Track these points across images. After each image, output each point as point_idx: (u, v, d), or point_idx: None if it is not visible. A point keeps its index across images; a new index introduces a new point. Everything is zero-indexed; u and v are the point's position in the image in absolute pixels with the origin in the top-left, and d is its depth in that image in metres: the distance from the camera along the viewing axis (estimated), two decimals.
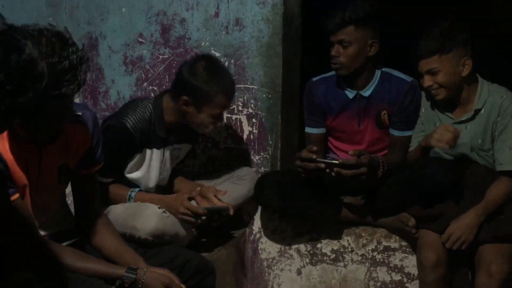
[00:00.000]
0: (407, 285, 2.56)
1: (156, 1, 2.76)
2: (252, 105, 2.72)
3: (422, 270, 2.31)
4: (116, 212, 2.20)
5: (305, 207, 2.53)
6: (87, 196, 1.92)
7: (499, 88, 2.40)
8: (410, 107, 2.57)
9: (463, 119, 2.42)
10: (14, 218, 1.61)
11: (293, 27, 2.73)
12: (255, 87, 2.70)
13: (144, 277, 1.76)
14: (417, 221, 2.40)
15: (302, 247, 2.69)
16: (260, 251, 2.75)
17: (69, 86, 1.55)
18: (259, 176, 2.66)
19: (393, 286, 2.57)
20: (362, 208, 2.55)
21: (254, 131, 2.73)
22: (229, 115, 2.75)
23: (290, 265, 2.71)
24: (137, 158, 2.32)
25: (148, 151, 2.34)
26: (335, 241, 2.65)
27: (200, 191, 2.39)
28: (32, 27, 1.54)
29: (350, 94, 2.62)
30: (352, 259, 2.64)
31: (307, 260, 2.69)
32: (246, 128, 2.74)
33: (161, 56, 2.82)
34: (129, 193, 2.30)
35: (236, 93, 2.71)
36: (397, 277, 2.58)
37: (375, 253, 2.61)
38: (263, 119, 2.71)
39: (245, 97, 2.72)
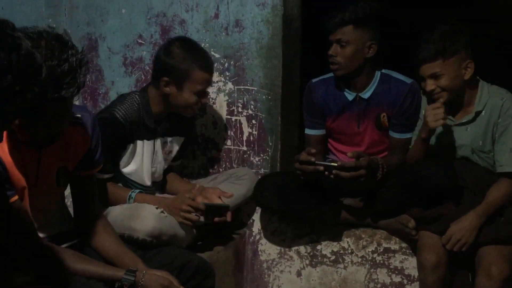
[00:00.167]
0: (407, 286, 2.56)
1: (156, 2, 2.76)
2: (252, 107, 2.72)
3: (422, 272, 2.31)
4: (114, 213, 2.20)
5: (305, 209, 2.53)
6: (86, 197, 1.92)
7: (499, 90, 2.40)
8: (410, 109, 2.57)
9: (463, 121, 2.41)
10: (13, 220, 1.61)
11: (293, 28, 2.73)
12: (255, 88, 2.70)
13: (143, 279, 1.76)
14: (417, 222, 2.40)
15: (302, 248, 2.69)
16: (259, 253, 2.76)
17: (68, 88, 1.55)
18: (259, 177, 2.66)
19: None
20: (362, 210, 2.55)
21: (254, 132, 2.73)
22: (228, 117, 2.75)
23: (290, 267, 2.72)
24: (129, 150, 2.32)
25: (139, 142, 2.34)
26: (335, 243, 2.65)
27: (204, 192, 2.38)
28: (31, 29, 1.54)
29: (350, 96, 2.61)
30: (352, 261, 2.64)
31: (307, 262, 2.69)
32: (246, 130, 2.74)
33: None
34: (130, 193, 2.30)
35: (235, 94, 2.73)
36: (397, 278, 2.58)
37: (375, 255, 2.60)
38: (263, 121, 2.71)
39: (244, 99, 2.72)
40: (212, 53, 2.72)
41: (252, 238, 2.77)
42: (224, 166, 2.78)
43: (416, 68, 2.37)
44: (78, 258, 1.73)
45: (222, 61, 2.72)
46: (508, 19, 3.60)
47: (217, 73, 2.73)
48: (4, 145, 1.64)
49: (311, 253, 2.68)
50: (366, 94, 2.59)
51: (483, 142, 2.38)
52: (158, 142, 2.42)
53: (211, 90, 2.76)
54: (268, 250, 2.75)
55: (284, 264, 2.73)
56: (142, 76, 2.82)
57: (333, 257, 2.66)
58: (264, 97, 2.69)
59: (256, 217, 2.76)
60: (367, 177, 2.32)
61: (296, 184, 2.47)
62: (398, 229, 2.49)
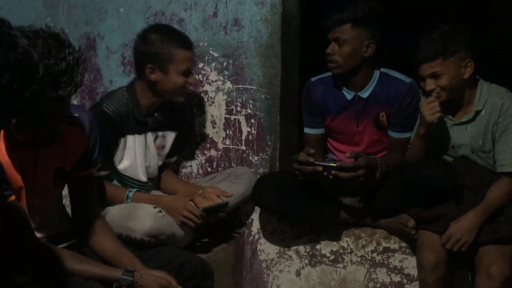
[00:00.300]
0: (406, 286, 2.56)
1: (154, 1, 2.75)
2: (251, 106, 2.71)
3: (422, 272, 2.30)
4: (112, 213, 2.19)
5: (304, 209, 2.53)
6: (84, 198, 1.91)
7: (498, 89, 2.39)
8: (409, 109, 2.56)
9: (463, 120, 2.41)
10: (11, 220, 1.60)
11: (292, 27, 2.72)
12: (254, 87, 2.69)
13: (141, 279, 1.75)
14: (416, 222, 2.39)
15: (301, 248, 2.69)
16: (259, 252, 2.75)
17: (66, 87, 1.54)
18: (258, 177, 2.65)
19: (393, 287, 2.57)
20: (361, 210, 2.54)
21: (253, 131, 2.72)
22: (227, 116, 2.74)
23: (289, 266, 2.71)
24: (121, 145, 2.32)
25: (130, 137, 2.34)
26: (334, 242, 2.64)
27: (203, 192, 2.37)
28: (28, 28, 1.53)
29: (349, 95, 2.61)
30: (351, 260, 2.63)
31: (306, 261, 2.68)
32: (245, 129, 2.73)
33: None
34: (127, 193, 2.29)
35: (234, 93, 2.72)
36: (396, 278, 2.58)
37: (374, 254, 2.60)
38: (261, 120, 2.70)
39: (243, 98, 2.71)
40: (211, 52, 2.72)
41: (251, 237, 2.77)
42: (223, 165, 2.77)
43: (416, 68, 2.36)
44: (76, 259, 1.72)
45: (220, 60, 2.71)
46: (508, 19, 3.59)
47: (216, 72, 2.73)
48: (1, 144, 1.64)
49: (310, 253, 2.68)
50: (365, 94, 2.59)
51: (483, 141, 2.37)
52: (150, 136, 2.41)
53: (210, 89, 2.75)
54: (267, 249, 2.74)
55: (283, 263, 2.72)
56: None
57: (332, 257, 2.65)
58: (263, 96, 2.68)
59: (255, 216, 2.76)
60: (366, 177, 2.32)
61: (295, 183, 2.46)
62: (397, 228, 2.49)
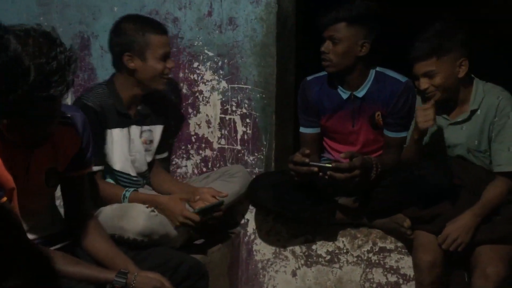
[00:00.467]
0: (403, 286, 2.55)
1: (149, 0, 2.73)
2: (246, 105, 2.69)
3: (418, 272, 2.29)
4: (105, 213, 2.17)
5: (300, 209, 2.52)
6: (77, 198, 1.89)
7: (494, 88, 2.38)
8: (404, 108, 2.55)
9: (459, 120, 2.40)
10: (2, 222, 1.57)
11: (287, 26, 2.70)
12: (249, 87, 2.68)
13: (134, 281, 1.73)
14: (413, 222, 2.38)
15: (297, 248, 2.68)
16: (254, 253, 2.74)
17: (57, 87, 1.52)
18: (253, 177, 2.64)
19: None
20: (357, 210, 2.53)
21: (248, 131, 2.71)
22: (222, 115, 2.73)
23: (285, 267, 2.70)
24: (108, 139, 2.31)
25: (114, 130, 2.33)
26: (330, 243, 2.64)
27: (198, 193, 2.36)
28: (18, 27, 1.50)
29: (344, 94, 2.60)
30: (347, 261, 2.62)
31: (302, 262, 2.68)
32: (240, 129, 2.72)
33: None
34: (124, 192, 2.27)
35: (229, 93, 2.71)
36: (393, 278, 2.57)
37: (370, 254, 2.59)
38: (257, 119, 2.69)
39: (239, 97, 2.70)
40: (206, 51, 2.70)
41: (247, 238, 2.75)
42: (218, 165, 2.75)
43: (411, 67, 2.35)
44: (68, 261, 1.70)
45: (215, 59, 2.70)
46: (507, 19, 3.59)
47: (211, 71, 2.71)
48: None
49: (306, 253, 2.67)
50: (360, 93, 2.58)
51: (479, 141, 2.36)
52: (134, 130, 2.40)
53: (205, 88, 2.74)
54: (263, 250, 2.73)
55: (279, 264, 2.71)
56: None
57: (328, 257, 2.64)
58: (258, 95, 2.67)
59: (251, 216, 2.74)
60: (361, 177, 2.31)
61: (291, 184, 2.45)
62: (393, 228, 2.48)
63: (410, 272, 2.48)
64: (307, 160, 2.31)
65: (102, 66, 2.84)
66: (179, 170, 2.82)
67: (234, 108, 2.71)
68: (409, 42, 2.36)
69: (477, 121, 2.36)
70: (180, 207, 2.22)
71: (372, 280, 2.60)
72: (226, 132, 2.74)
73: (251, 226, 2.75)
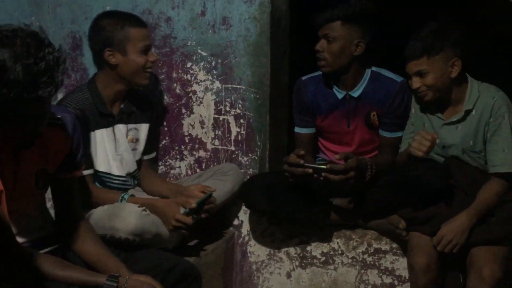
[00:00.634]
0: (398, 287, 2.53)
1: (141, 0, 2.71)
2: (240, 106, 2.68)
3: (413, 274, 2.28)
4: (96, 214, 2.16)
5: (294, 210, 2.51)
6: (68, 201, 1.86)
7: (489, 88, 2.36)
8: (400, 108, 2.54)
9: (453, 120, 2.38)
10: None
11: (281, 25, 2.69)
12: (243, 87, 2.66)
13: (125, 285, 1.70)
14: (408, 223, 2.37)
15: (291, 250, 2.67)
16: (249, 254, 2.73)
17: (46, 88, 1.50)
18: (248, 178, 2.63)
19: None
20: (352, 211, 2.52)
21: (242, 132, 2.69)
22: (216, 116, 2.71)
23: (280, 268, 2.69)
24: (92, 141, 2.29)
25: (97, 132, 2.31)
26: (325, 244, 2.62)
27: (187, 192, 2.34)
28: (5, 27, 1.48)
29: (339, 94, 2.59)
30: (342, 262, 2.61)
31: (297, 263, 2.66)
32: (234, 129, 2.70)
33: None
34: (122, 195, 2.25)
35: (223, 93, 2.69)
36: (388, 279, 2.56)
37: (365, 256, 2.58)
38: (251, 120, 2.67)
39: (232, 97, 2.68)
40: (199, 51, 2.69)
41: (241, 239, 2.74)
42: (212, 166, 2.73)
43: (400, 62, 2.34)
44: (58, 264, 1.67)
45: (209, 59, 2.68)
46: (506, 19, 3.59)
47: (204, 71, 2.70)
48: None
49: (301, 254, 2.65)
50: (356, 93, 2.57)
51: (474, 142, 2.35)
52: (119, 129, 2.38)
53: (198, 89, 2.72)
54: (257, 251, 2.72)
55: (273, 265, 2.70)
56: None
57: (323, 258, 2.63)
58: (252, 95, 2.66)
59: (245, 218, 2.73)
60: (356, 179, 2.29)
61: (286, 185, 2.43)
62: (388, 229, 2.47)
63: (405, 274, 2.47)
64: (301, 161, 2.30)
65: (94, 66, 2.82)
66: (172, 171, 2.80)
67: (228, 109, 2.70)
68: (407, 42, 2.35)
69: (472, 121, 2.34)
70: (174, 211, 2.20)
71: (367, 282, 2.59)
72: (220, 133, 2.72)
73: (245, 228, 2.73)
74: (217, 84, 2.69)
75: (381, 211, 2.46)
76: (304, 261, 2.65)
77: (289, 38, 2.77)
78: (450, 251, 2.24)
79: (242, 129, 2.69)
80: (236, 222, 2.75)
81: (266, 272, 2.71)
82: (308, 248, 2.65)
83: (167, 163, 2.81)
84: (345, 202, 2.50)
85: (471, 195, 2.31)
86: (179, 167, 2.80)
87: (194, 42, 2.68)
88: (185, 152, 2.78)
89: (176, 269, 1.97)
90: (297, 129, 2.69)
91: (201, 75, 2.71)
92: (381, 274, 2.57)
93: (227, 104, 2.69)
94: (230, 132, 2.71)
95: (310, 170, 2.29)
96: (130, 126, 2.42)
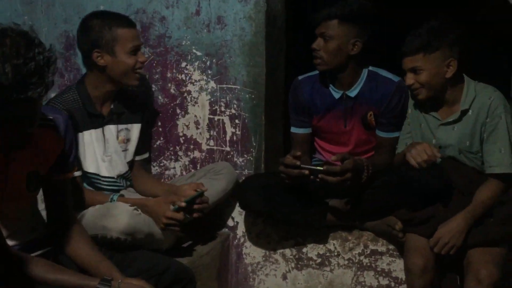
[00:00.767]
0: None
1: None
2: (235, 106, 2.66)
3: (410, 276, 2.26)
4: (87, 214, 2.13)
5: (290, 212, 2.49)
6: (60, 203, 1.84)
7: (486, 88, 2.35)
8: (397, 108, 2.52)
9: (449, 120, 2.36)
10: None
11: (277, 25, 2.67)
12: (238, 87, 2.64)
13: None
14: (404, 224, 2.35)
15: (287, 251, 2.65)
16: (244, 256, 2.71)
17: (36, 89, 1.47)
18: (243, 179, 2.61)
19: None
20: (348, 212, 2.50)
21: (237, 132, 2.67)
22: (211, 116, 2.69)
23: (275, 270, 2.67)
24: (80, 143, 2.26)
25: (86, 133, 2.29)
26: (321, 245, 2.61)
27: (179, 191, 2.33)
28: None
29: (336, 94, 2.57)
30: (338, 264, 2.60)
31: (293, 265, 2.64)
32: (229, 130, 2.68)
33: None
34: (112, 197, 2.22)
35: (218, 93, 2.67)
36: (384, 281, 2.55)
37: (362, 257, 2.56)
38: (246, 120, 2.65)
39: (227, 98, 2.66)
40: (194, 50, 2.66)
41: (237, 241, 2.72)
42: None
43: (400, 62, 2.33)
44: (50, 268, 1.65)
45: (204, 59, 2.66)
46: (505, 19, 3.58)
47: (199, 71, 2.68)
48: None
49: (297, 256, 2.63)
50: (353, 92, 2.55)
51: (471, 142, 2.33)
52: (109, 129, 2.35)
53: (193, 89, 2.70)
54: (253, 253, 2.70)
55: (269, 267, 2.68)
56: None
57: (319, 260, 2.61)
58: (247, 96, 2.64)
59: (241, 219, 2.71)
60: (353, 180, 2.27)
61: (282, 185, 2.41)
62: (385, 231, 2.45)
63: (402, 275, 2.46)
64: (298, 162, 2.28)
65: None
66: (167, 172, 2.78)
67: (223, 109, 2.67)
68: (406, 38, 2.34)
69: (469, 122, 2.33)
70: (164, 209, 2.18)
71: (363, 283, 2.57)
72: (215, 133, 2.70)
73: (241, 229, 2.72)
74: (212, 84, 2.67)
75: (378, 212, 2.44)
76: (300, 262, 2.63)
77: (284, 38, 2.75)
78: (447, 253, 2.23)
79: (237, 129, 2.67)
80: (231, 223, 2.73)
81: (262, 274, 2.69)
82: (304, 250, 2.63)
83: (161, 164, 2.79)
84: (342, 203, 2.48)
85: (468, 195, 2.29)
86: (174, 168, 2.78)
87: (188, 42, 2.66)
88: (180, 153, 2.76)
89: (170, 272, 1.95)
90: (293, 129, 2.68)
91: (196, 75, 2.68)
92: (377, 276, 2.55)
93: (222, 104, 2.67)
94: (225, 132, 2.69)
95: (307, 172, 2.27)
96: (121, 126, 2.39)
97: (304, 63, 2.68)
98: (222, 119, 2.68)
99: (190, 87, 2.70)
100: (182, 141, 2.75)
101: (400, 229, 2.36)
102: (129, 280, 1.72)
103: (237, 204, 2.67)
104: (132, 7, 2.69)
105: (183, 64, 2.68)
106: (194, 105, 2.71)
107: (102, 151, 2.33)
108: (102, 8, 2.72)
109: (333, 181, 2.25)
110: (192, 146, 2.74)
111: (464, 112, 2.33)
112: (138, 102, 2.48)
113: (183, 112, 2.72)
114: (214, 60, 2.65)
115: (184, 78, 2.70)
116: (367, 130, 2.60)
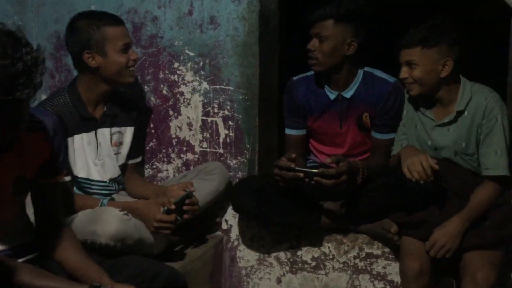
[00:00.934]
0: None
1: None
2: (228, 107, 2.62)
3: (405, 279, 2.23)
4: (77, 219, 2.09)
5: (285, 214, 2.45)
6: (48, 207, 1.80)
7: (482, 89, 2.32)
8: (392, 109, 2.50)
9: (445, 121, 2.34)
10: None
11: (270, 25, 2.64)
12: (231, 88, 2.61)
13: None
14: (400, 227, 2.33)
15: (281, 254, 2.63)
16: (238, 259, 2.68)
17: (24, 90, 1.44)
18: (236, 181, 2.58)
19: None
20: (343, 215, 2.47)
21: (231, 134, 2.64)
22: (204, 118, 2.66)
23: (270, 274, 2.65)
24: (70, 147, 2.22)
25: (77, 137, 2.25)
26: (316, 248, 2.58)
27: (168, 192, 2.30)
28: None
29: (331, 95, 2.54)
30: (333, 267, 2.57)
31: (287, 268, 2.62)
32: (222, 131, 2.65)
33: None
34: (101, 201, 2.18)
35: (211, 94, 2.64)
36: (380, 285, 2.53)
37: (357, 260, 2.54)
38: (239, 122, 2.62)
39: (220, 99, 2.63)
40: (186, 51, 2.64)
41: (230, 244, 2.69)
42: None
43: (396, 60, 2.31)
44: (37, 274, 1.61)
45: (196, 59, 2.63)
46: (505, 19, 3.58)
47: (192, 72, 2.65)
48: None
49: (291, 259, 2.61)
50: (348, 93, 2.53)
51: (467, 144, 2.31)
52: (102, 133, 2.32)
53: (186, 90, 2.67)
54: (246, 256, 2.67)
55: (263, 271, 2.65)
56: None
57: (313, 263, 2.59)
58: (240, 97, 2.61)
59: (234, 222, 2.69)
60: (348, 183, 2.25)
61: (275, 188, 2.38)
62: (380, 234, 2.43)
63: (398, 279, 2.43)
64: (292, 165, 2.25)
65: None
66: (160, 174, 2.75)
67: (216, 110, 2.65)
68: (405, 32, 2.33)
69: (464, 123, 2.30)
70: (154, 212, 2.14)
71: (359, 287, 2.55)
72: (208, 135, 2.67)
73: (235, 232, 2.69)
74: (205, 85, 2.64)
75: (373, 214, 2.41)
76: (294, 266, 2.61)
77: (278, 38, 2.73)
78: (443, 256, 2.20)
79: (230, 131, 2.64)
80: (224, 226, 2.70)
81: (256, 277, 2.66)
82: (299, 253, 2.60)
83: (154, 166, 2.75)
84: (337, 205, 2.45)
85: (463, 198, 2.27)
86: (167, 170, 2.74)
87: (181, 42, 2.63)
88: (173, 155, 2.73)
89: (161, 277, 1.91)
90: (287, 131, 2.65)
91: (189, 76, 2.65)
92: (373, 279, 2.52)
93: (215, 105, 2.64)
94: (218, 134, 2.66)
95: (301, 174, 2.24)
96: (114, 129, 2.35)
97: (298, 64, 2.66)
98: (215, 121, 2.65)
99: (182, 88, 2.67)
100: (174, 143, 2.72)
101: (396, 232, 2.33)
102: (119, 286, 1.68)
103: (230, 206, 2.64)
104: (124, 7, 2.66)
105: (176, 65, 2.66)
106: (187, 107, 2.68)
107: (94, 155, 2.29)
108: (94, 8, 2.69)
109: (328, 184, 2.22)
110: (185, 148, 2.71)
111: (459, 113, 2.31)
112: (131, 105, 2.45)
113: (175, 114, 2.69)
114: (207, 61, 2.62)
115: (176, 79, 2.67)
116: (362, 132, 2.58)
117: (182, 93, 2.68)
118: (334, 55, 2.44)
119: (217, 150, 2.67)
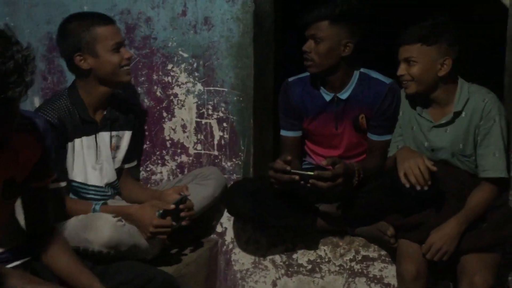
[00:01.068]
0: None
1: None
2: (223, 109, 2.60)
3: (402, 282, 2.21)
4: (69, 225, 2.06)
5: (280, 217, 2.43)
6: (39, 211, 1.77)
7: (480, 90, 2.31)
8: (389, 110, 2.49)
9: (442, 122, 2.33)
10: None
11: (265, 25, 2.62)
12: (226, 89, 2.59)
13: None
14: (396, 230, 2.31)
15: (277, 257, 2.60)
16: (233, 263, 2.66)
17: (15, 88, 1.41)
18: (231, 183, 2.55)
19: None
20: (340, 217, 2.45)
21: (225, 136, 2.62)
22: (198, 120, 2.64)
23: (265, 277, 2.62)
24: (69, 151, 2.19)
25: (77, 141, 2.22)
26: (312, 251, 2.56)
27: (163, 196, 2.28)
28: None
29: (327, 96, 2.53)
30: (329, 270, 2.55)
31: (283, 272, 2.60)
32: (217, 133, 2.63)
33: None
34: (93, 206, 2.15)
35: (205, 96, 2.62)
36: (376, 287, 2.49)
37: (353, 263, 2.52)
38: (234, 123, 2.60)
39: (215, 100, 2.61)
40: (180, 52, 2.62)
41: (225, 247, 2.66)
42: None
43: (396, 51, 2.30)
44: (26, 280, 1.58)
45: (190, 61, 2.61)
46: (501, 19, 3.59)
47: (186, 73, 2.63)
48: None
49: (287, 262, 2.59)
50: (344, 95, 2.51)
51: (464, 145, 2.29)
52: (102, 137, 2.29)
53: (180, 91, 2.65)
54: (241, 259, 2.65)
55: (258, 274, 2.63)
56: None
57: (309, 266, 2.56)
58: (235, 98, 2.59)
59: (229, 225, 2.66)
60: (344, 185, 2.23)
61: (271, 190, 2.36)
62: (376, 236, 2.41)
63: (394, 282, 2.41)
64: (288, 167, 2.23)
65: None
66: (153, 177, 2.72)
67: (210, 112, 2.62)
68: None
69: (462, 124, 2.29)
70: (150, 216, 2.10)
71: None
72: (202, 137, 2.65)
73: (229, 235, 2.66)
74: (199, 86, 2.62)
75: (369, 217, 2.40)
76: (290, 269, 2.58)
77: (273, 39, 2.70)
78: (440, 259, 2.18)
79: (225, 133, 2.62)
80: (219, 229, 2.67)
81: (251, 281, 2.64)
82: (294, 256, 2.58)
83: (148, 169, 2.73)
84: (333, 208, 2.43)
85: (461, 200, 2.25)
86: (161, 172, 2.72)
87: (175, 43, 2.61)
88: (167, 157, 2.70)
89: (154, 282, 1.89)
90: (283, 132, 2.63)
91: (183, 77, 2.63)
92: (369, 282, 2.51)
93: (210, 107, 2.62)
94: (213, 136, 2.64)
95: (297, 177, 2.22)
96: (113, 133, 2.33)
97: (293, 65, 2.64)
98: (210, 123, 2.63)
99: (176, 89, 2.65)
100: (168, 145, 2.69)
101: (392, 234, 2.32)
102: None
103: (225, 209, 2.61)
104: (117, 8, 2.64)
105: (169, 66, 2.63)
106: (180, 108, 2.65)
107: (93, 159, 2.26)
108: (86, 8, 2.67)
109: (324, 186, 2.21)
110: (179, 150, 2.68)
111: (457, 114, 2.29)
112: (130, 108, 2.42)
113: (169, 116, 2.67)
114: (201, 62, 2.60)
115: (170, 81, 2.65)
116: (358, 133, 2.56)
117: (176, 95, 2.65)
118: (330, 56, 2.42)
119: (211, 152, 2.65)
